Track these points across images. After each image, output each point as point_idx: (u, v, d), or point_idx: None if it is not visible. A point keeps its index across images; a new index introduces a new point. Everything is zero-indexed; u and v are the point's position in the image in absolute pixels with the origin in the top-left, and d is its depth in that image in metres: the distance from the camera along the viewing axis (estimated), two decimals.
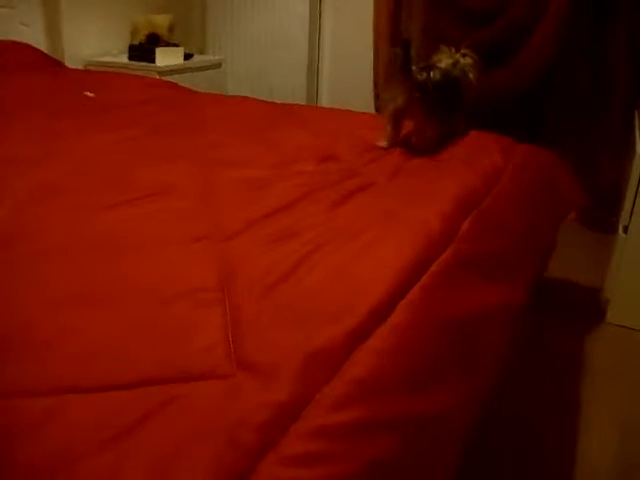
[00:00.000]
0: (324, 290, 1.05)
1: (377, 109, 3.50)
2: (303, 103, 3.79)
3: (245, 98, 2.76)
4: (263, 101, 2.66)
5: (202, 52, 4.01)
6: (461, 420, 1.04)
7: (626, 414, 1.81)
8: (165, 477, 0.70)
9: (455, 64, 2.03)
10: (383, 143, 1.98)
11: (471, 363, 1.13)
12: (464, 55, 2.10)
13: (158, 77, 3.21)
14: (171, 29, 3.62)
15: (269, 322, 0.97)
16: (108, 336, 0.94)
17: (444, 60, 2.04)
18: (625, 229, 2.25)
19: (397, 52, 1.92)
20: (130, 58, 3.45)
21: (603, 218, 2.98)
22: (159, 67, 3.30)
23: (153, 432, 0.76)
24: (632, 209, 2.21)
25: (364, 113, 2.51)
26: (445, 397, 0.99)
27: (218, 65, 3.76)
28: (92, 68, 3.38)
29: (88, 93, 2.58)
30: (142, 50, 3.42)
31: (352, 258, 1.15)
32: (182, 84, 2.96)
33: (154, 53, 3.33)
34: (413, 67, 1.93)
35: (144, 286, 1.07)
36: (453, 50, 2.12)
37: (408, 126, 2.03)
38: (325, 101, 3.92)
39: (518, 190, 1.77)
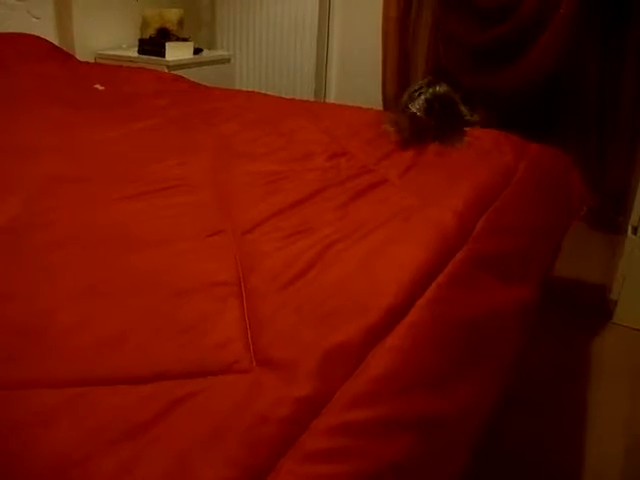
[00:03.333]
0: (342, 287, 1.05)
1: (385, 107, 3.50)
2: (311, 99, 3.78)
3: (255, 93, 2.76)
4: (274, 96, 2.66)
5: (211, 47, 4.00)
6: (475, 419, 1.04)
7: (632, 415, 1.81)
8: (184, 472, 0.70)
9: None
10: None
11: (485, 362, 1.13)
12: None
13: (167, 71, 3.21)
14: (181, 23, 3.62)
15: (287, 317, 0.97)
16: (124, 328, 0.94)
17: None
18: (635, 230, 2.25)
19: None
20: (140, 52, 3.45)
21: (610, 218, 2.97)
22: (169, 61, 3.30)
23: (171, 427, 0.76)
24: None
25: (375, 110, 2.50)
26: (461, 396, 0.99)
27: (227, 60, 3.75)
28: (102, 61, 3.39)
29: (98, 86, 2.58)
30: (152, 44, 3.42)
31: (369, 255, 1.15)
32: (191, 78, 2.96)
33: (164, 47, 3.33)
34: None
35: (160, 279, 1.07)
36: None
37: None
38: (333, 97, 3.92)
39: (530, 189, 1.76)
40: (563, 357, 2.09)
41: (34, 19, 3.13)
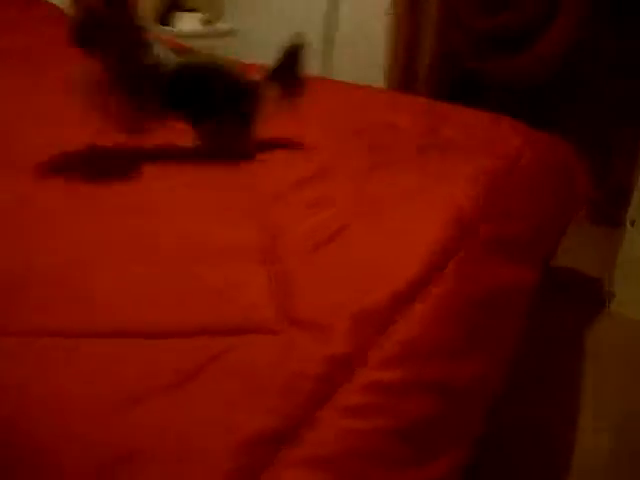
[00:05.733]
0: (366, 255, 1.09)
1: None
2: (317, 74, 3.78)
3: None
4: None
5: (220, 19, 3.99)
6: (486, 389, 1.09)
7: (624, 399, 1.85)
8: (227, 420, 0.73)
9: None
10: None
11: (496, 337, 1.18)
12: None
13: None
14: None
15: (315, 282, 1.01)
16: (162, 288, 0.97)
17: None
18: (633, 222, 2.30)
19: None
20: None
21: (612, 213, 2.99)
22: (177, 31, 3.30)
23: (212, 379, 0.79)
24: None
25: (389, 90, 2.52)
26: (475, 365, 1.04)
27: (235, 32, 3.76)
28: None
29: None
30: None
31: (390, 230, 1.19)
32: None
33: (173, 17, 3.34)
34: None
35: (191, 245, 1.10)
36: None
37: None
38: (339, 74, 3.91)
39: (535, 176, 1.79)
40: (560, 343, 2.13)
41: None
